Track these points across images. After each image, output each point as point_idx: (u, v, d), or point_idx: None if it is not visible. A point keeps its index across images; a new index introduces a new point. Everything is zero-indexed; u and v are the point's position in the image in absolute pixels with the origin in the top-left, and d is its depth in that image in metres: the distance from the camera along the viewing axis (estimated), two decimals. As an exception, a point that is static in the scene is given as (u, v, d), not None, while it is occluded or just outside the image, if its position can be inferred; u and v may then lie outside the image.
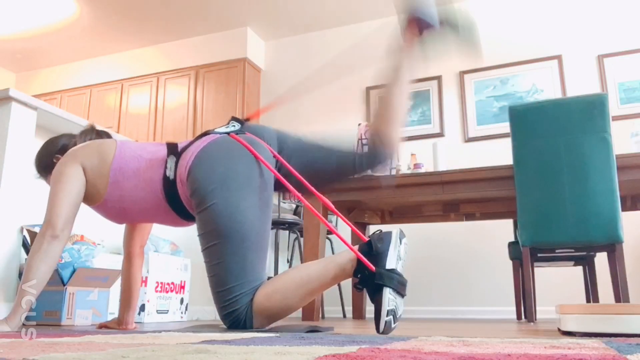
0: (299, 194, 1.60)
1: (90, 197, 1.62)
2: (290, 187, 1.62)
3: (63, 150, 1.74)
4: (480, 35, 1.63)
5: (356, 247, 1.50)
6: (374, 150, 1.63)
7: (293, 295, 1.46)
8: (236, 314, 1.46)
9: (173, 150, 1.62)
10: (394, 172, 3.33)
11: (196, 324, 2.10)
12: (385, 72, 1.63)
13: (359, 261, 1.44)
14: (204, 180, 1.51)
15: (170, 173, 1.57)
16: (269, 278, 1.52)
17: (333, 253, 4.09)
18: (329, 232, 4.11)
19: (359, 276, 1.44)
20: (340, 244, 4.58)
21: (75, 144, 1.75)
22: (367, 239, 1.50)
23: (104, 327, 1.79)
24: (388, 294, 1.38)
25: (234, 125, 1.66)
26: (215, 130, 1.64)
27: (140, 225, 1.80)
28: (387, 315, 1.37)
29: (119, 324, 1.78)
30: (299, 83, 5.22)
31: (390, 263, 1.42)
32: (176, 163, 1.58)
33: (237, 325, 1.47)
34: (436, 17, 1.59)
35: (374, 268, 1.41)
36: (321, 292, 1.50)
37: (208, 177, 1.51)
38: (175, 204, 1.58)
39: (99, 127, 1.87)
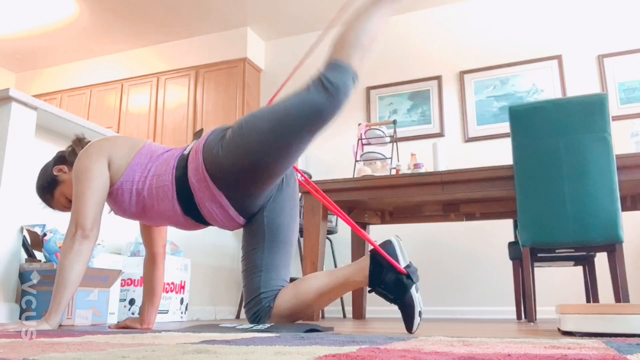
0: (334, 204, 1.61)
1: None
2: (321, 198, 1.62)
3: (60, 160, 1.73)
4: None
5: (368, 261, 1.58)
6: (328, 78, 1.47)
7: (309, 304, 1.58)
8: (257, 311, 1.58)
9: (198, 136, 1.64)
10: (393, 172, 3.33)
11: (196, 324, 2.10)
12: (365, 3, 1.57)
13: (372, 274, 1.53)
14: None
15: (187, 150, 1.60)
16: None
17: (333, 253, 4.10)
18: (329, 232, 4.11)
19: (382, 286, 1.52)
20: (340, 244, 4.58)
21: (74, 151, 1.73)
22: (374, 243, 1.57)
23: (124, 327, 1.76)
24: (417, 294, 1.50)
25: None
26: None
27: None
28: (419, 316, 1.49)
29: (141, 323, 1.77)
30: (298, 80, 5.22)
31: (405, 260, 1.54)
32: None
33: (257, 320, 1.59)
34: None
35: (405, 271, 1.50)
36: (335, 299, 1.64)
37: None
38: (182, 186, 1.55)
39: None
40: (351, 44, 1.51)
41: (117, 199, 1.62)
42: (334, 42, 1.54)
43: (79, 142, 1.75)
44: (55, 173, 1.70)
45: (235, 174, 1.51)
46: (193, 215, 1.60)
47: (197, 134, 1.68)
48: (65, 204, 1.72)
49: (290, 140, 1.47)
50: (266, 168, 1.50)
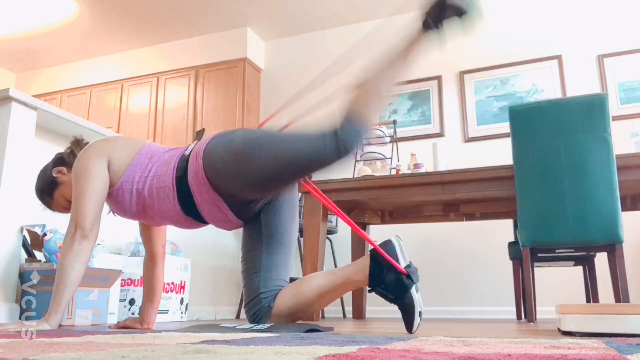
0: (334, 204, 1.62)
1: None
2: (321, 198, 1.62)
3: (59, 161, 1.73)
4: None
5: (368, 261, 1.58)
6: (346, 131, 1.47)
7: (309, 303, 1.58)
8: (257, 311, 1.60)
9: (200, 136, 1.66)
10: (393, 172, 3.33)
11: (196, 324, 2.10)
12: (388, 52, 1.55)
13: (372, 274, 1.53)
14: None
15: (187, 151, 1.61)
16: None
17: (333, 253, 4.10)
18: (329, 232, 4.11)
19: (382, 286, 1.52)
20: (340, 244, 4.58)
21: (72, 152, 1.73)
22: (374, 243, 1.58)
23: (124, 327, 1.77)
24: (417, 294, 1.50)
25: None
26: None
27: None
28: (419, 317, 1.50)
29: (141, 323, 1.77)
30: (301, 84, 5.22)
31: (405, 260, 1.54)
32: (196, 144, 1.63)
33: (257, 321, 1.60)
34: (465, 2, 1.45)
35: (405, 271, 1.50)
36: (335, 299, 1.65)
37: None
38: (182, 187, 1.56)
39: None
40: (372, 95, 1.51)
41: (117, 200, 1.62)
42: (356, 88, 1.53)
43: (78, 144, 1.76)
44: (54, 175, 1.70)
45: (234, 186, 1.53)
46: (193, 215, 1.61)
47: (199, 134, 1.68)
48: (65, 206, 1.72)
49: (290, 173, 1.50)
50: (264, 188, 1.54)
